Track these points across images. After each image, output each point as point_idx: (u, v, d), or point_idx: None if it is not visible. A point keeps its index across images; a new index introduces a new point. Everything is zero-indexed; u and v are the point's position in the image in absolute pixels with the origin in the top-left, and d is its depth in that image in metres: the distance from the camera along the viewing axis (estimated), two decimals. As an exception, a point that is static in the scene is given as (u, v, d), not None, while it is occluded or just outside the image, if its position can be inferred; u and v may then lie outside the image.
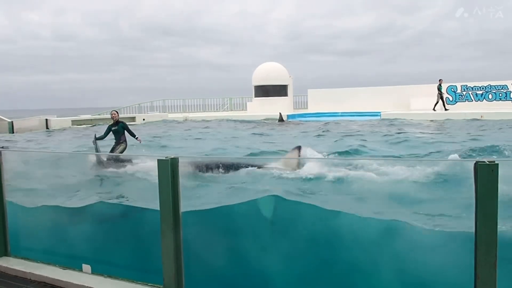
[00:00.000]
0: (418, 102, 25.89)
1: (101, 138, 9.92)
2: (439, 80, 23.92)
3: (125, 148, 9.92)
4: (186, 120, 26.67)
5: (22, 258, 4.50)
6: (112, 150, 9.79)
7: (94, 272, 4.05)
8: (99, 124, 21.47)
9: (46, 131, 20.75)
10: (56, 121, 22.85)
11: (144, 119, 26.05)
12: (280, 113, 23.48)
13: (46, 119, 22.20)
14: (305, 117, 25.98)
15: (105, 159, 9.02)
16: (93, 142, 10.07)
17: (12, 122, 20.21)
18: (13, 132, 19.50)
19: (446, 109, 23.68)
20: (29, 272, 4.18)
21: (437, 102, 23.63)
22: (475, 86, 25.84)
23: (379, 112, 23.99)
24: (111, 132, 9.90)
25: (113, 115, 9.99)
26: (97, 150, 9.90)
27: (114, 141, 9.95)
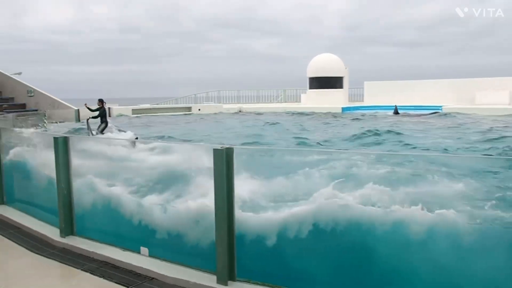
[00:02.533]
0: (485, 96, 24.21)
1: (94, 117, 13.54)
2: None
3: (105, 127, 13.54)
4: (240, 111, 26.89)
5: (86, 238, 4.79)
6: (98, 127, 13.46)
7: (151, 255, 4.22)
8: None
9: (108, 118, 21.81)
10: (117, 109, 24.03)
11: (199, 109, 26.65)
12: (395, 106, 22.95)
13: (109, 108, 23.37)
14: (360, 110, 25.34)
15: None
16: (87, 121, 13.83)
17: (78, 110, 21.44)
18: (79, 120, 20.70)
19: None
20: (92, 251, 4.44)
21: None
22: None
23: (441, 106, 22.87)
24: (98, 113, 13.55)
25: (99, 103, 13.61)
26: (89, 128, 13.62)
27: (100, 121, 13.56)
